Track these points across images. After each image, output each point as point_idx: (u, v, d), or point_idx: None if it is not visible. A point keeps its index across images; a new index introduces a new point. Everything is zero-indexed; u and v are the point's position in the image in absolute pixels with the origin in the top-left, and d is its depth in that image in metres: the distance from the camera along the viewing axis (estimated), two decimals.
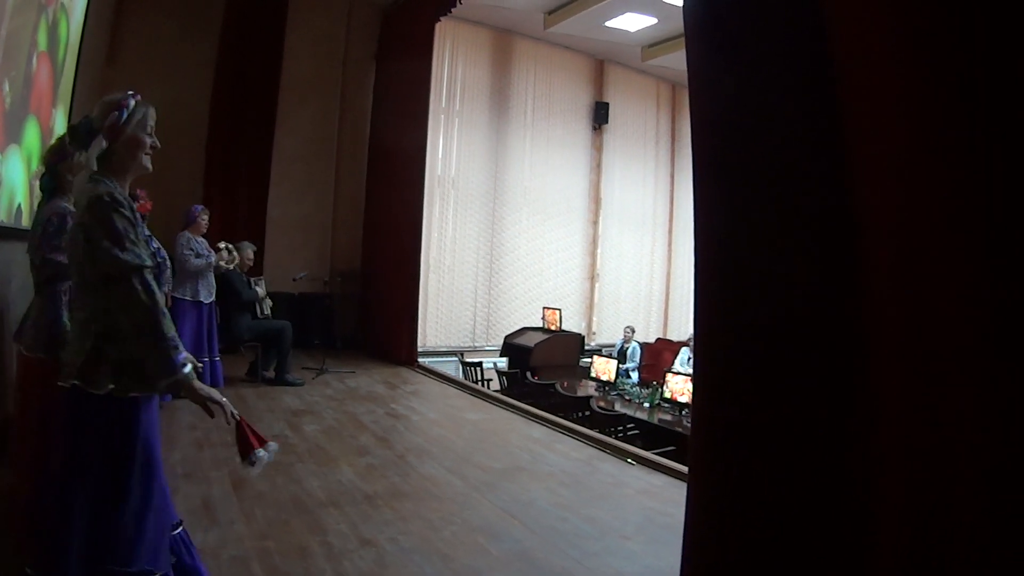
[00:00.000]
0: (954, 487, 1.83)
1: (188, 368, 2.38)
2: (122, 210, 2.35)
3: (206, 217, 7.38)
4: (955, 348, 1.82)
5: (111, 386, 2.34)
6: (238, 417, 2.59)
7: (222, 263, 7.54)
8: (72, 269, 2.42)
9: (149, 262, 2.37)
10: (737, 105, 2.53)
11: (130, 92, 2.55)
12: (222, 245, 7.73)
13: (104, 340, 2.37)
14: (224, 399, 2.51)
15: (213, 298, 7.32)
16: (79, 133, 2.48)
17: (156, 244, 2.43)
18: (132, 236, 2.35)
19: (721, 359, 2.57)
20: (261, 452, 2.61)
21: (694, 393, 2.73)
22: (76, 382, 2.34)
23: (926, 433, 1.89)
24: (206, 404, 2.45)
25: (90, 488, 2.35)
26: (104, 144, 2.47)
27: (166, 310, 2.38)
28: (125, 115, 2.51)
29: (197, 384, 2.42)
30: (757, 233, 2.44)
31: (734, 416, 2.47)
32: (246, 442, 2.60)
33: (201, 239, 7.28)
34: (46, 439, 2.85)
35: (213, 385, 7.24)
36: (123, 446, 2.39)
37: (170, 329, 2.35)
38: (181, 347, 2.38)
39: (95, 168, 2.45)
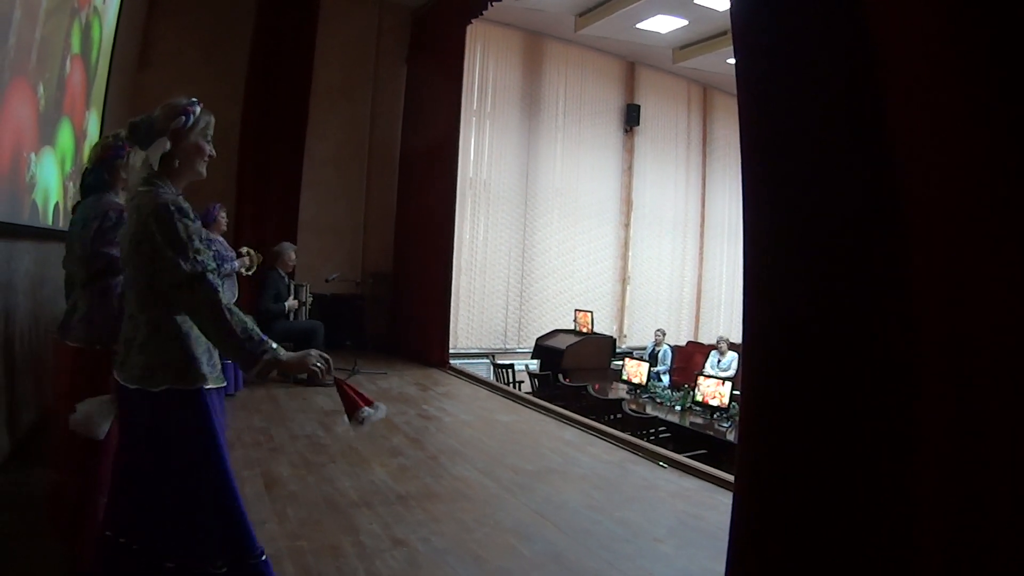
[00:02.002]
0: (995, 492, 1.80)
1: (268, 354, 2.42)
2: (186, 219, 2.40)
3: (224, 214, 7.36)
4: (1000, 352, 1.79)
5: (169, 384, 2.40)
6: (332, 380, 2.68)
7: (243, 269, 7.53)
8: (132, 273, 2.44)
9: (212, 266, 2.41)
10: (785, 108, 2.51)
11: (194, 99, 2.58)
12: (244, 250, 7.72)
13: (170, 341, 2.43)
14: (323, 357, 2.60)
15: (236, 298, 7.34)
16: (140, 131, 2.49)
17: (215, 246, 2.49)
18: (196, 244, 2.39)
19: (769, 364, 2.55)
20: (368, 410, 2.71)
21: (743, 396, 2.71)
22: (140, 385, 2.39)
23: (969, 439, 1.86)
24: (309, 369, 2.57)
25: (181, 482, 2.43)
26: (168, 146, 2.49)
27: (233, 306, 2.42)
28: (191, 120, 2.54)
29: (285, 357, 2.49)
30: (805, 236, 2.42)
31: (781, 420, 2.45)
32: (352, 402, 2.70)
33: (221, 239, 7.29)
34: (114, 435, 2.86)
35: (236, 387, 7.29)
36: (197, 438, 2.46)
37: (240, 323, 2.38)
38: (254, 334, 2.41)
39: (155, 168, 2.48)
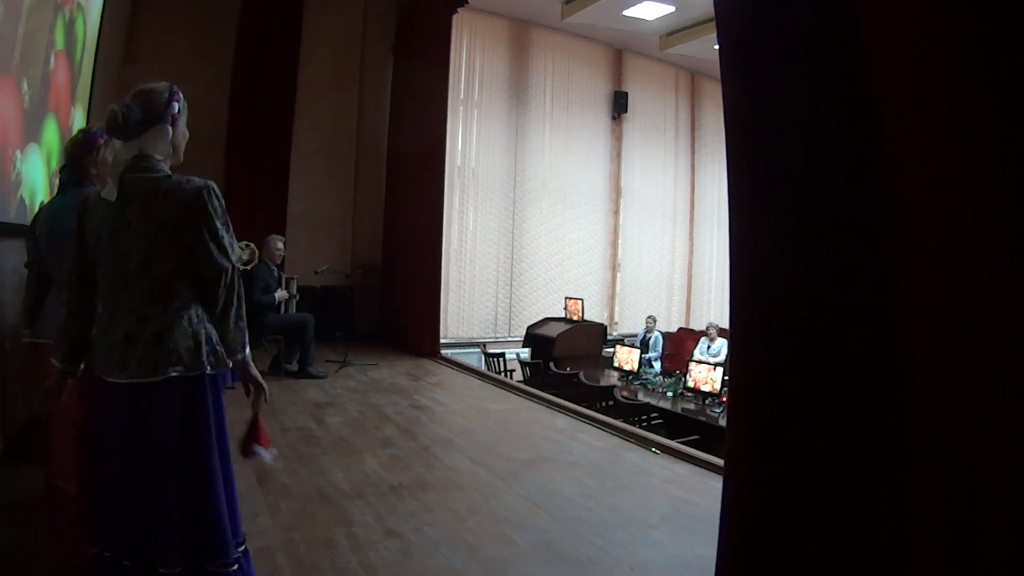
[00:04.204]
0: (988, 486, 1.81)
1: (248, 350, 2.59)
2: (223, 201, 2.50)
3: None
4: (991, 349, 1.79)
5: (208, 368, 2.44)
6: (256, 410, 2.72)
7: (239, 264, 7.47)
8: (154, 262, 2.41)
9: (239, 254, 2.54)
10: (770, 98, 2.49)
11: (166, 82, 2.57)
12: (243, 244, 7.68)
13: (201, 324, 2.47)
14: (265, 386, 2.67)
15: None
16: (130, 123, 2.42)
17: None
18: (231, 230, 2.53)
19: (757, 357, 2.55)
20: (261, 450, 2.80)
21: (731, 381, 2.70)
22: (169, 374, 2.37)
23: (960, 435, 1.87)
24: (255, 382, 2.62)
25: (179, 472, 2.43)
26: (169, 133, 2.51)
27: None
28: (182, 104, 2.57)
29: (252, 368, 2.61)
30: (793, 224, 2.41)
31: (770, 404, 2.45)
32: (256, 434, 2.77)
33: None
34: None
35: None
36: (218, 423, 2.52)
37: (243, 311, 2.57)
38: (246, 332, 2.59)
39: (157, 157, 2.48)
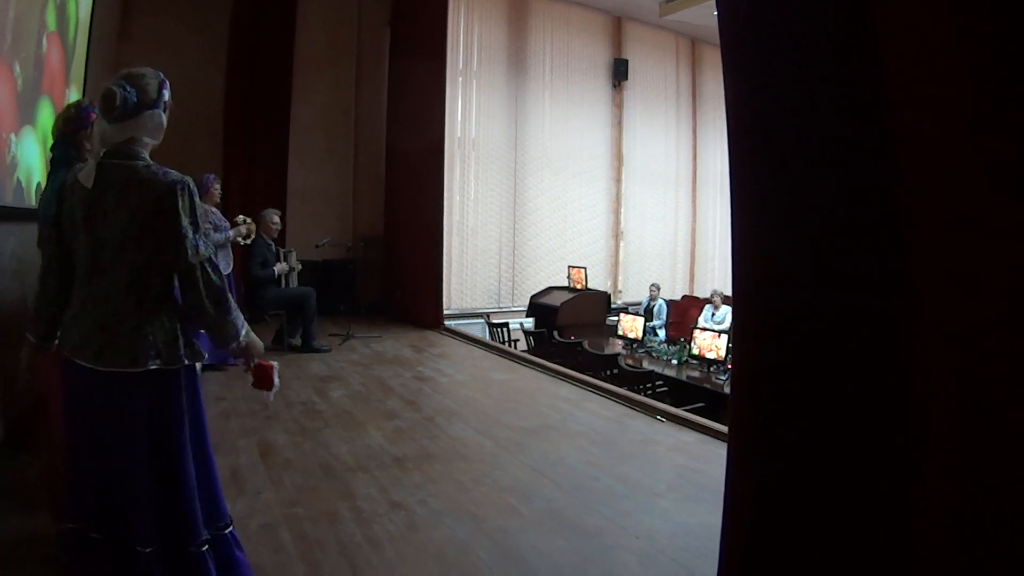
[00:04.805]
0: (989, 486, 1.79)
1: (248, 332, 2.61)
2: (197, 199, 2.47)
3: (219, 186, 7.25)
4: (992, 349, 1.76)
5: (186, 361, 2.47)
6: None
7: (239, 238, 7.46)
8: (128, 253, 2.38)
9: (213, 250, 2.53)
10: (775, 109, 2.44)
11: (152, 69, 2.54)
12: (240, 219, 7.64)
13: (175, 318, 2.47)
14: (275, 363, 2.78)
15: (231, 269, 7.27)
16: (128, 105, 2.38)
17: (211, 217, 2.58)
18: (205, 225, 2.53)
19: (760, 356, 2.52)
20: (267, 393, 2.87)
21: (733, 382, 2.68)
22: (150, 367, 2.38)
23: (962, 435, 1.85)
24: (252, 356, 2.68)
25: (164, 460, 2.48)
26: (162, 119, 2.51)
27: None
28: (169, 92, 2.55)
29: (255, 342, 2.66)
30: (796, 236, 2.37)
31: (772, 410, 2.43)
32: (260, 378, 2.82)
33: (215, 209, 7.20)
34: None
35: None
36: (193, 412, 2.58)
37: (232, 300, 2.53)
38: (240, 315, 2.55)
39: (147, 141, 2.47)
